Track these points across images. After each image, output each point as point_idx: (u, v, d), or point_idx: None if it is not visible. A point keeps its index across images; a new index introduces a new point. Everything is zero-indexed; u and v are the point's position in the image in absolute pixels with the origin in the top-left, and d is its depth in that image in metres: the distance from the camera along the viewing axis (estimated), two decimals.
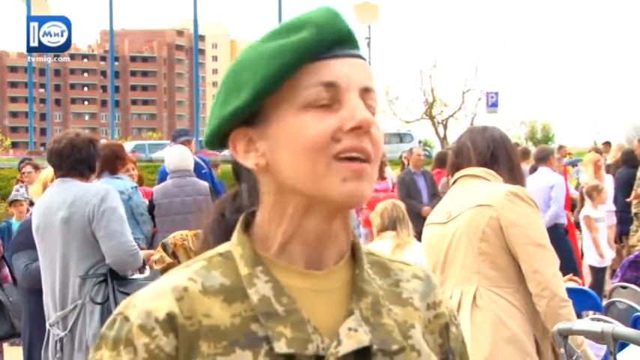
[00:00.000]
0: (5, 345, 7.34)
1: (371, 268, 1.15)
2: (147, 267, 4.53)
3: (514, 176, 3.07)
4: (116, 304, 4.16)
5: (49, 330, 4.36)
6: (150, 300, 1.05)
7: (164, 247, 4.77)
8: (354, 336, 1.06)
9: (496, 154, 3.08)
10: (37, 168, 9.97)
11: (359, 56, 1.09)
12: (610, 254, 8.96)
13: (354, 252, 1.14)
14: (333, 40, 1.06)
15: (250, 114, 1.08)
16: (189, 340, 1.03)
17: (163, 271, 4.71)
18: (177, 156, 6.58)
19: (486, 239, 2.91)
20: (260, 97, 1.06)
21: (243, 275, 1.08)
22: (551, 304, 2.83)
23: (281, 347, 1.03)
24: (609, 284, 9.52)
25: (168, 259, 4.71)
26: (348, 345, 1.05)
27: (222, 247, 1.13)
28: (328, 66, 1.06)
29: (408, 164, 11.09)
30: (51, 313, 4.34)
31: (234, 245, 1.11)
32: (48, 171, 5.06)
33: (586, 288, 4.68)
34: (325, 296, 1.09)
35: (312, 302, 1.08)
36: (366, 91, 1.07)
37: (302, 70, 1.05)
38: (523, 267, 2.88)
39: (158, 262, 4.76)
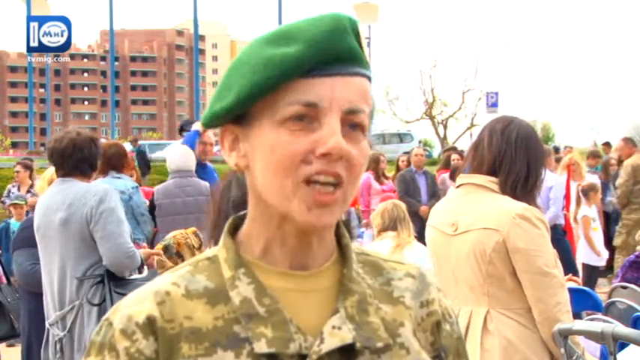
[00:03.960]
0: (3, 345, 7.34)
1: (362, 268, 1.16)
2: (145, 267, 4.52)
3: (514, 191, 2.88)
4: (112, 305, 4.15)
5: (48, 330, 4.36)
6: (132, 305, 1.07)
7: (166, 249, 4.76)
8: (338, 334, 1.06)
9: (505, 163, 2.91)
10: (27, 167, 10.05)
11: (358, 74, 1.07)
12: (605, 253, 8.98)
13: (344, 252, 1.15)
14: (325, 58, 1.04)
15: (238, 114, 1.09)
16: (169, 342, 1.05)
17: None
18: (180, 156, 6.57)
19: (493, 263, 2.84)
20: (241, 105, 1.07)
21: (226, 278, 1.09)
22: (553, 330, 2.80)
23: (261, 347, 1.04)
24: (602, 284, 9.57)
25: (169, 264, 4.69)
26: (331, 343, 1.05)
27: (211, 251, 1.14)
28: (314, 85, 1.04)
29: (408, 165, 11.09)
30: (50, 312, 4.34)
31: (220, 249, 1.13)
32: (54, 168, 5.06)
33: (586, 288, 4.68)
34: (312, 296, 1.10)
35: (298, 302, 1.08)
36: (351, 113, 1.05)
37: (286, 86, 1.04)
38: (527, 294, 2.82)
39: (158, 264, 4.75)
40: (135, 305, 1.07)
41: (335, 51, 1.05)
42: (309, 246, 1.10)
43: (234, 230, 1.14)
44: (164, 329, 1.05)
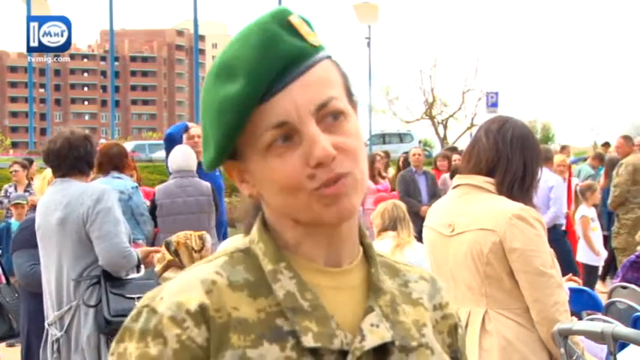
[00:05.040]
0: (2, 345, 7.34)
1: (381, 269, 1.17)
2: (142, 267, 4.50)
3: (511, 191, 2.88)
4: (108, 305, 4.15)
5: (47, 330, 4.36)
6: (179, 292, 1.06)
7: (167, 245, 4.77)
8: (377, 332, 1.08)
9: (501, 164, 2.91)
10: (24, 167, 10.03)
11: (309, 67, 1.06)
12: (604, 253, 8.97)
13: (367, 251, 1.17)
14: (271, 77, 1.04)
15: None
16: (219, 332, 1.04)
17: (164, 269, 4.70)
18: (181, 156, 6.57)
19: (490, 263, 2.84)
20: (222, 154, 1.09)
21: (267, 271, 1.09)
22: (551, 331, 2.80)
23: (308, 341, 1.05)
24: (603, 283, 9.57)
25: (169, 257, 4.71)
26: (372, 340, 1.07)
27: (242, 244, 1.15)
28: (274, 104, 1.04)
29: (405, 165, 11.10)
30: (49, 312, 4.34)
31: (254, 242, 1.13)
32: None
33: (586, 288, 4.68)
34: (345, 293, 1.11)
35: (333, 299, 1.10)
36: (322, 107, 1.05)
37: (253, 116, 1.05)
38: (524, 294, 2.82)
39: (160, 259, 4.75)
40: (183, 293, 1.06)
41: (275, 68, 1.04)
42: (341, 240, 1.12)
43: (264, 224, 1.15)
44: (214, 318, 1.05)
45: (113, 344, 1.08)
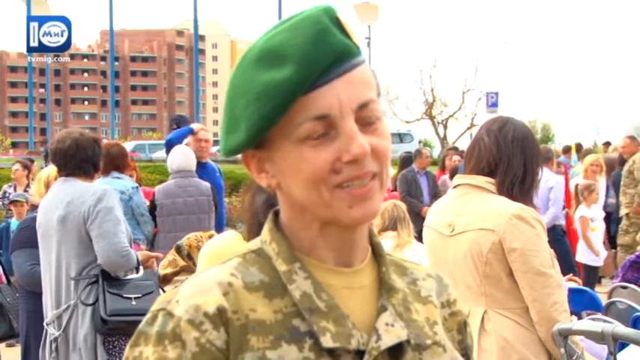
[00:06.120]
0: (2, 346, 7.34)
1: (390, 267, 1.17)
2: (141, 267, 4.49)
3: (511, 191, 2.88)
4: (105, 305, 4.15)
5: (46, 330, 4.36)
6: (196, 295, 1.05)
7: (178, 249, 4.74)
8: (392, 331, 1.08)
9: (502, 164, 2.91)
10: (25, 167, 10.04)
11: (354, 66, 1.07)
12: (604, 253, 8.97)
13: (376, 250, 1.17)
14: (321, 68, 1.04)
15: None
16: (238, 334, 1.04)
17: (175, 274, 4.69)
18: (181, 156, 6.57)
19: (490, 263, 2.84)
20: (255, 138, 1.07)
21: (281, 272, 1.09)
22: (550, 331, 2.80)
23: (327, 341, 1.05)
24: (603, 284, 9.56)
25: (182, 263, 4.68)
26: (388, 339, 1.07)
27: (253, 244, 1.14)
28: (317, 97, 1.04)
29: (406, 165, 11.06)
30: (49, 311, 4.35)
31: (266, 243, 1.13)
32: (49, 170, 5.06)
33: (586, 288, 4.68)
34: (357, 293, 1.11)
35: (346, 299, 1.10)
36: (363, 107, 1.06)
37: (293, 106, 1.04)
38: (523, 294, 2.82)
39: (171, 264, 4.73)
40: (200, 295, 1.05)
41: (327, 59, 1.04)
42: (354, 241, 1.12)
43: (275, 224, 1.15)
44: (232, 320, 1.04)
45: (127, 349, 1.06)
